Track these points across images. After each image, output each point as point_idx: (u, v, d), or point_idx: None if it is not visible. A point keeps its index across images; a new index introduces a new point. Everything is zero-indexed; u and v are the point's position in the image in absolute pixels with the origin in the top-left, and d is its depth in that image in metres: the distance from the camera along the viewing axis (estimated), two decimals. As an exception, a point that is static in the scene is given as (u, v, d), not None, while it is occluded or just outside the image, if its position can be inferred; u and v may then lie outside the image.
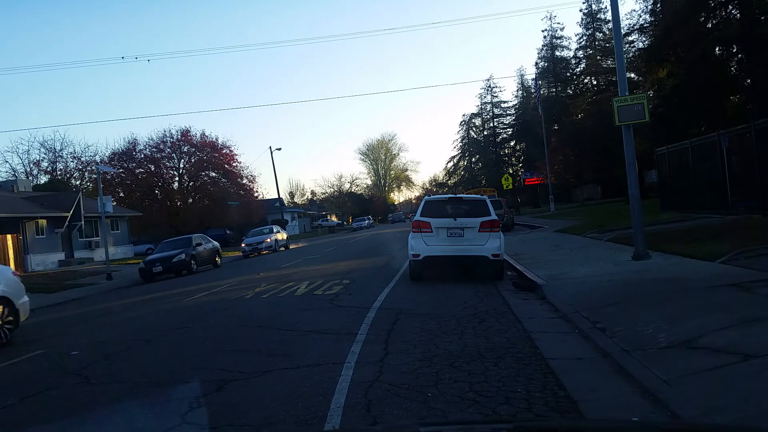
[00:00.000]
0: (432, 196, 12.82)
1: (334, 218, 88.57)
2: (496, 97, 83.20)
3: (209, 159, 49.64)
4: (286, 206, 70.02)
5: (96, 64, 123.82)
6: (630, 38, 35.09)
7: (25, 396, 5.85)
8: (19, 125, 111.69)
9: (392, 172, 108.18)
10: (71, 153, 55.37)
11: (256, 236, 32.65)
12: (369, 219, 74.01)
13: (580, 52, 63.04)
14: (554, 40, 68.64)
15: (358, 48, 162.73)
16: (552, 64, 67.89)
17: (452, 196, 12.72)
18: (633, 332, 5.63)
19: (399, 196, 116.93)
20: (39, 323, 12.82)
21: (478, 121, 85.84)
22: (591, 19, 60.49)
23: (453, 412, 4.12)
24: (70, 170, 52.54)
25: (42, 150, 55.75)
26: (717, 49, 28.37)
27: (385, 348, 6.12)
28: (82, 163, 52.34)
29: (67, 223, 32.54)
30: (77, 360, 7.38)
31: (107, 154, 49.95)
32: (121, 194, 47.62)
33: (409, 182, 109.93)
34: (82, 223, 33.54)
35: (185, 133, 48.59)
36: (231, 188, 50.25)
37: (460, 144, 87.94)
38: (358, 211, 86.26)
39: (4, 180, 44.54)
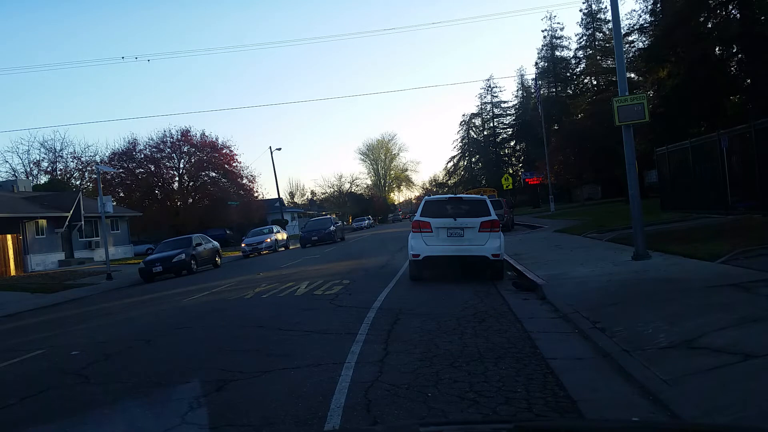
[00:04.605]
0: (432, 196, 12.82)
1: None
2: (496, 97, 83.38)
3: (209, 159, 49.59)
4: (286, 206, 69.98)
5: (96, 64, 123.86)
6: (630, 38, 35.06)
7: (25, 396, 5.86)
8: (19, 125, 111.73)
9: (392, 172, 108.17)
10: (71, 153, 55.41)
11: (256, 236, 32.66)
12: (369, 219, 74.03)
13: (580, 52, 63.08)
14: (554, 40, 68.68)
15: (358, 48, 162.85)
16: (552, 64, 67.88)
17: (452, 196, 12.71)
18: (633, 332, 5.63)
19: (399, 196, 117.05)
20: (39, 323, 12.82)
21: (478, 121, 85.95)
22: (591, 19, 60.51)
23: (453, 412, 4.12)
24: (70, 170, 52.59)
25: (42, 150, 55.94)
26: (717, 49, 28.34)
27: (385, 348, 6.12)
28: (82, 163, 52.42)
29: (67, 223, 32.54)
30: (77, 360, 7.38)
31: (107, 154, 49.96)
32: (121, 194, 47.56)
33: (409, 182, 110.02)
34: (82, 223, 33.54)
35: (185, 133, 48.57)
36: (231, 188, 50.20)
37: (460, 144, 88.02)
38: (358, 211, 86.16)
39: (4, 180, 44.53)
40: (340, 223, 40.08)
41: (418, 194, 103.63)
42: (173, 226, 43.88)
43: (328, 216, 42.90)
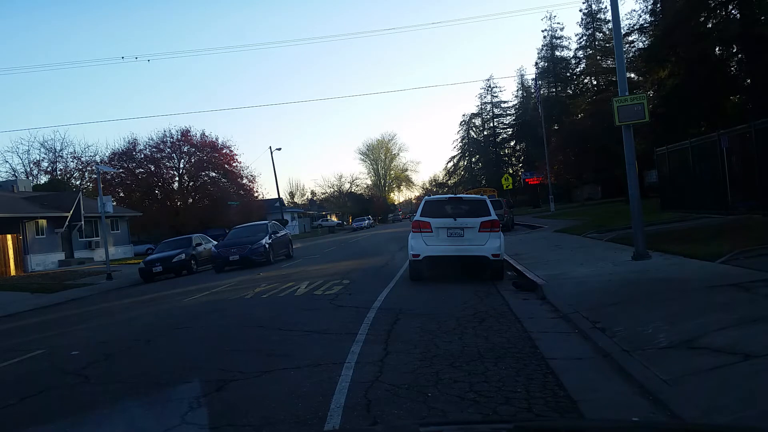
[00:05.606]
0: (432, 196, 12.82)
1: (334, 218, 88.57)
2: (496, 97, 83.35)
3: (209, 159, 49.60)
4: (286, 206, 69.96)
5: (96, 64, 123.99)
6: (630, 38, 35.08)
7: (25, 396, 5.86)
8: (19, 125, 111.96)
9: (392, 172, 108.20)
10: (71, 153, 55.42)
11: (256, 236, 32.45)
12: (369, 219, 73.97)
13: (580, 52, 63.07)
14: (554, 40, 68.67)
15: (358, 48, 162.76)
16: (552, 64, 67.88)
17: (452, 196, 12.72)
18: (633, 332, 5.63)
19: (399, 196, 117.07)
20: (39, 323, 12.82)
21: (478, 121, 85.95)
22: (591, 19, 60.50)
23: (453, 412, 4.12)
24: (70, 170, 52.65)
25: (42, 150, 55.91)
26: (717, 49, 28.34)
27: (385, 348, 6.12)
28: (82, 163, 52.48)
29: (67, 223, 32.54)
30: (77, 360, 7.38)
31: (107, 154, 49.97)
32: (121, 194, 47.57)
33: (409, 182, 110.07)
34: (82, 223, 33.54)
35: (185, 133, 48.57)
36: (231, 188, 50.21)
37: (460, 144, 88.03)
38: (358, 211, 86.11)
39: (4, 180, 44.57)
40: (285, 231, 25.87)
41: (418, 194, 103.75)
42: (173, 226, 43.86)
43: (265, 222, 25.62)
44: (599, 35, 59.71)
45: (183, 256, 22.41)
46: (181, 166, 49.87)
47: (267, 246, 21.37)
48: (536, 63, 70.18)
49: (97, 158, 50.57)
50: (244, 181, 51.99)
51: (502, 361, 5.30)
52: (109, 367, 6.86)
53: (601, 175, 48.09)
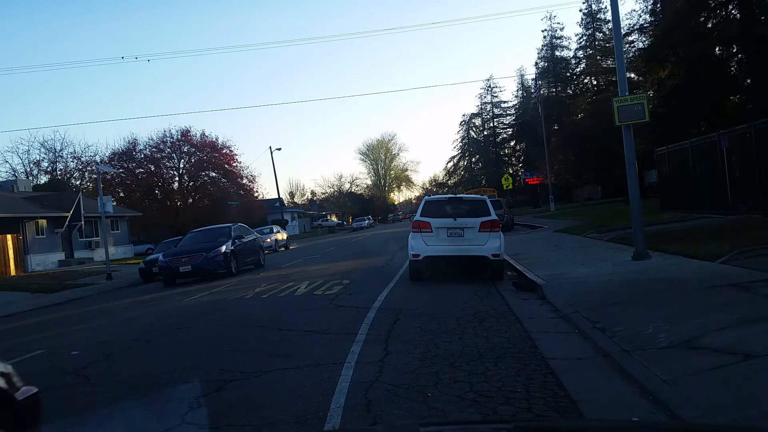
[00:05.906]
0: (432, 196, 12.83)
1: (334, 218, 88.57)
2: (496, 97, 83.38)
3: (209, 159, 49.54)
4: (286, 206, 69.97)
5: (96, 64, 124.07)
6: (630, 38, 35.07)
7: (25, 396, 5.85)
8: (19, 125, 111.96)
9: (392, 172, 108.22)
10: (71, 153, 55.51)
11: (256, 236, 32.40)
12: (369, 219, 74.01)
13: (580, 52, 63.09)
14: (554, 40, 68.70)
15: (358, 48, 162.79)
16: (552, 64, 67.90)
17: (452, 196, 12.74)
18: (633, 332, 5.63)
19: (399, 196, 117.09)
20: (39, 323, 12.81)
21: (478, 121, 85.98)
22: (591, 19, 60.51)
23: (453, 412, 4.12)
24: (70, 170, 52.68)
25: (42, 150, 56.00)
26: (717, 49, 28.34)
27: (385, 348, 6.12)
28: (82, 163, 52.50)
29: (67, 223, 32.54)
30: (77, 360, 7.37)
31: (107, 154, 49.89)
32: (121, 194, 47.52)
33: (409, 182, 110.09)
34: (82, 223, 33.54)
35: (185, 133, 48.49)
36: (231, 188, 50.16)
37: (460, 144, 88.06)
38: (358, 211, 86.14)
39: (4, 180, 44.59)
40: (254, 236, 21.68)
41: (418, 194, 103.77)
42: (173, 226, 43.81)
43: (228, 225, 20.67)
44: (599, 35, 59.72)
45: (183, 256, 22.30)
46: (181, 166, 49.82)
47: (228, 254, 17.80)
48: (536, 63, 70.33)
49: (97, 158, 50.65)
50: (244, 181, 51.95)
51: (502, 361, 5.30)
52: (109, 367, 6.86)
53: (601, 175, 48.10)
